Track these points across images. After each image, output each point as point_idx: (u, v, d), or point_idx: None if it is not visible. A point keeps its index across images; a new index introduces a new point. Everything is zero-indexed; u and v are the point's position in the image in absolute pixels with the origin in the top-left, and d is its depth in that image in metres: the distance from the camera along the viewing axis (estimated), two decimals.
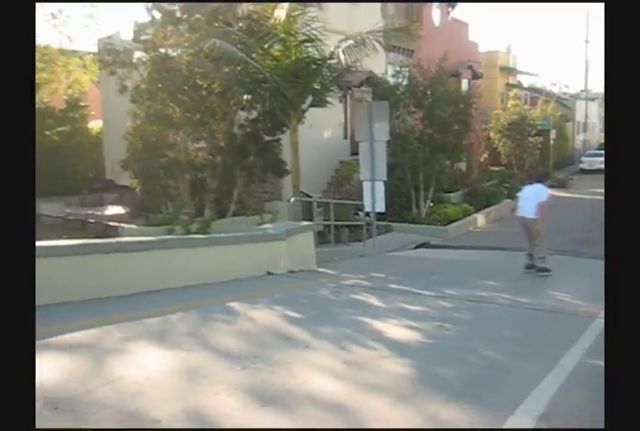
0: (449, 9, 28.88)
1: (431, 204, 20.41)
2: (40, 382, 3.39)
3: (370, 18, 18.92)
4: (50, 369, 3.65)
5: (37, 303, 5.05)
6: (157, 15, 17.58)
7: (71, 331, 4.40)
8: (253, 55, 12.89)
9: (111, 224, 15.59)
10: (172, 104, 15.28)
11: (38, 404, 3.06)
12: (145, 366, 3.80)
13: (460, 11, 30.47)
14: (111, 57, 16.99)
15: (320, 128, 18.86)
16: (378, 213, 14.57)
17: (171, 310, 5.45)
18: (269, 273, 7.98)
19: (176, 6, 16.96)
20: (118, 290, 5.82)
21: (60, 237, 14.32)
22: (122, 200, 19.95)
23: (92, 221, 16.61)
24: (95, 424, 2.93)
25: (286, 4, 12.97)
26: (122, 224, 15.36)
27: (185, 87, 15.14)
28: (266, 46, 13.12)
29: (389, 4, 24.86)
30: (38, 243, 6.25)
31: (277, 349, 4.39)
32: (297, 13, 12.84)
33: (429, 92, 19.96)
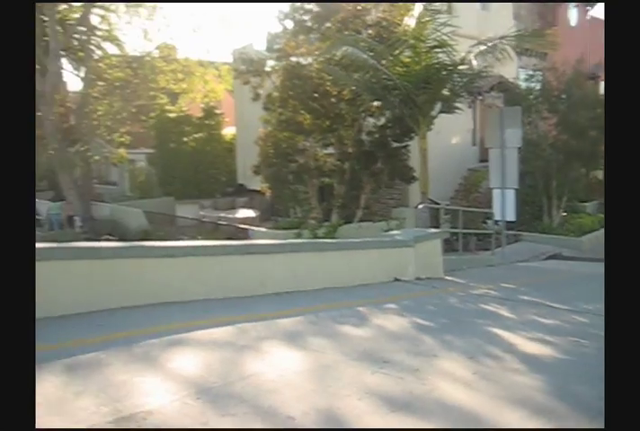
0: (587, 8, 27.53)
1: (564, 213, 19.50)
2: (184, 373, 3.64)
3: (502, 21, 18.46)
4: (193, 362, 3.89)
5: (185, 299, 5.46)
6: (289, 25, 18.16)
7: (211, 327, 4.65)
8: (383, 61, 12.97)
9: (242, 226, 16.23)
10: (302, 111, 15.70)
11: (183, 394, 3.27)
12: (278, 365, 3.93)
13: (600, 9, 28.86)
14: (245, 66, 17.71)
15: (448, 135, 18.62)
16: (508, 221, 14.14)
17: (302, 311, 5.60)
18: (396, 279, 7.99)
19: (307, 16, 17.45)
20: (252, 290, 6.06)
21: (195, 238, 15.14)
22: (252, 204, 20.72)
23: (224, 223, 17.39)
24: (233, 416, 3.07)
25: (416, 11, 12.97)
26: (252, 227, 15.94)
27: (315, 94, 15.50)
28: (396, 52, 13.16)
29: (522, 6, 24.10)
30: (187, 243, 6.66)
31: (405, 356, 4.38)
32: (426, 18, 12.79)
33: (564, 97, 19.10)
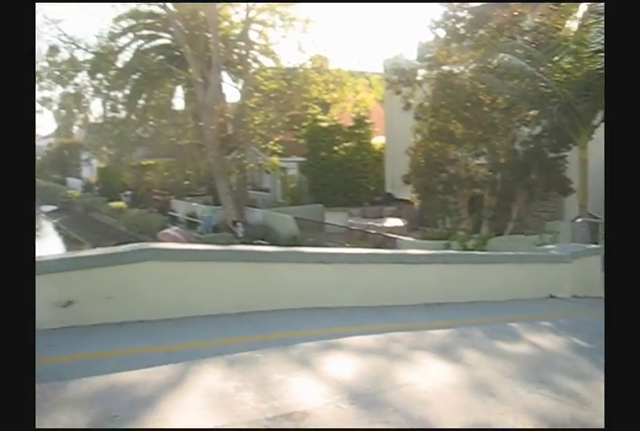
0: None
1: None
2: (337, 378, 3.71)
3: None
4: (346, 367, 3.96)
5: (335, 305, 5.58)
6: (441, 33, 18.00)
7: (363, 334, 4.71)
8: (541, 68, 12.47)
9: (390, 235, 16.23)
10: (454, 121, 15.47)
11: (337, 397, 3.34)
12: (430, 376, 3.89)
13: None
14: (396, 76, 17.77)
15: None
16: None
17: (452, 323, 5.51)
18: (551, 296, 7.63)
19: (460, 24, 17.21)
20: (401, 300, 6.06)
21: (343, 245, 15.39)
22: (400, 213, 20.67)
23: (372, 232, 17.50)
24: (387, 424, 3.08)
25: (579, 13, 12.38)
26: (400, 237, 15.89)
27: (468, 103, 15.21)
28: (555, 58, 12.60)
29: None
30: (339, 250, 6.79)
31: (563, 377, 4.17)
32: (590, 21, 12.14)
33: None
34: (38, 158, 72.00)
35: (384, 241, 15.75)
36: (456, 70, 16.32)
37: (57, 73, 25.54)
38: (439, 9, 18.17)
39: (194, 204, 26.91)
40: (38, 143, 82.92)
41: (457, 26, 17.46)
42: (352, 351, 4.33)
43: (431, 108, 15.97)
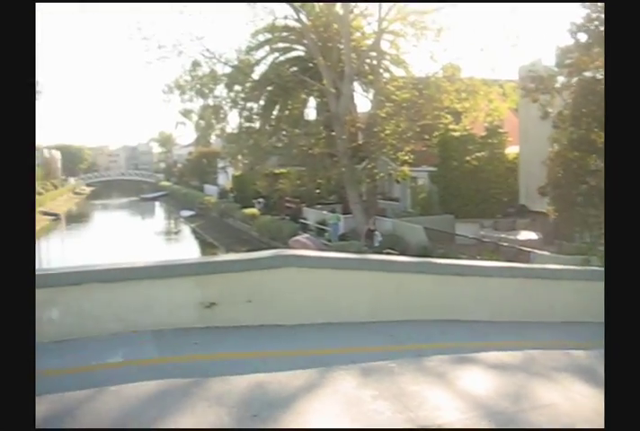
0: None
1: None
2: (473, 393, 3.64)
3: None
4: (482, 383, 3.88)
5: (469, 318, 5.47)
6: (582, 37, 17.17)
7: (498, 349, 4.58)
8: None
9: (524, 248, 15.65)
10: (596, 129, 14.67)
11: (473, 413, 3.27)
12: (573, 399, 3.72)
13: None
14: (534, 84, 17.15)
15: None
16: None
17: (593, 345, 5.21)
18: None
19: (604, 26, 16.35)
20: (538, 316, 5.85)
21: (474, 257, 15.03)
22: (534, 226, 19.84)
23: (504, 244, 16.95)
24: None
25: None
26: (535, 250, 15.27)
27: None
28: None
29: None
30: (475, 263, 6.66)
31: None
32: None
33: None
34: (179, 166, 76.46)
35: (517, 254, 15.19)
36: (599, 76, 15.48)
37: (199, 86, 26.95)
38: (580, 12, 17.30)
39: (324, 212, 27.39)
40: (179, 151, 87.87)
41: (601, 29, 16.58)
42: (488, 367, 4.23)
43: (571, 116, 15.24)
